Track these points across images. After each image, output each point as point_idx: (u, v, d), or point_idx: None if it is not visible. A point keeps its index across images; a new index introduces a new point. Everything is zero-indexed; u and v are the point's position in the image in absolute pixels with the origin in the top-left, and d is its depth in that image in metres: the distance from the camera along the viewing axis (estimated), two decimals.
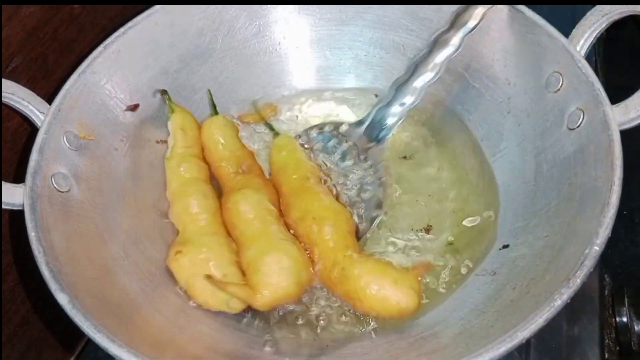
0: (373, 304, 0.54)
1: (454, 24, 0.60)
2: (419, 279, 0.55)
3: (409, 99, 0.62)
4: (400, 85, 0.62)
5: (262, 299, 0.53)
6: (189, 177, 0.62)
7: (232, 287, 0.53)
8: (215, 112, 0.67)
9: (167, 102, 0.65)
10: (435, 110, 0.67)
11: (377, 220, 0.61)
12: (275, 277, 0.54)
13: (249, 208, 0.59)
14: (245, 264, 0.56)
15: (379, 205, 0.61)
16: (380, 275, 0.54)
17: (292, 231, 0.60)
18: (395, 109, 0.63)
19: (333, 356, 0.53)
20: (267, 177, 0.65)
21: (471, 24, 0.59)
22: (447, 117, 0.67)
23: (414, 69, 0.61)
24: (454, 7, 0.61)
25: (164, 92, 0.64)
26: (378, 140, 0.64)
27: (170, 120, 0.64)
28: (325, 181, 0.64)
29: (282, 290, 0.54)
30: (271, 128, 0.68)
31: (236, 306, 0.55)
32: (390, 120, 0.63)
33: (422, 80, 0.61)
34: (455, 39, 0.59)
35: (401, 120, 0.63)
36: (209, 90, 0.67)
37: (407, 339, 0.52)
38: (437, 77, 0.60)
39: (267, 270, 0.54)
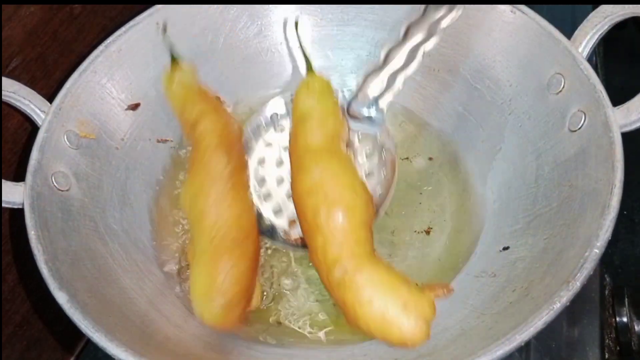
0: (370, 325, 0.46)
1: None
2: (434, 303, 0.47)
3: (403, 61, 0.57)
4: (392, 49, 0.57)
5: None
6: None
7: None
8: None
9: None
10: (436, 112, 0.67)
11: (382, 205, 0.56)
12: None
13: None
14: None
15: (385, 187, 0.57)
16: (388, 293, 0.46)
17: (295, 205, 0.54)
18: (389, 74, 0.57)
19: (333, 356, 0.53)
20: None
21: None
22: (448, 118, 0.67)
23: (406, 32, 0.56)
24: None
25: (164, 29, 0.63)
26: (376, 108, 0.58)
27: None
28: (351, 149, 0.58)
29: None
30: (307, 59, 0.60)
31: None
32: (385, 87, 0.58)
33: (414, 42, 0.56)
34: None
35: (397, 89, 0.58)
36: None
37: None
38: (432, 43, 0.56)
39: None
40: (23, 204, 0.52)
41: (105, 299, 0.51)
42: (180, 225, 0.62)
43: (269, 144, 0.61)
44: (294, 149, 0.54)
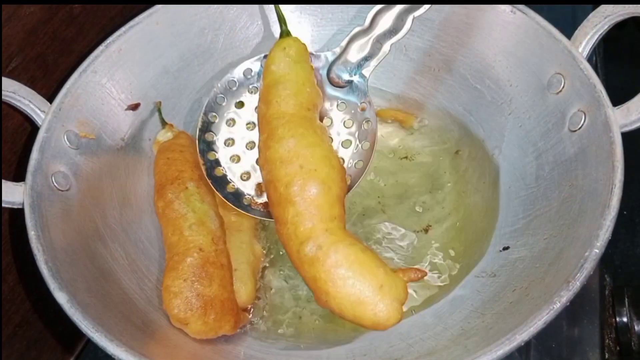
0: (343, 305, 0.45)
1: None
2: (407, 286, 0.47)
3: (389, 25, 0.55)
4: (378, 12, 0.56)
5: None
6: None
7: None
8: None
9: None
10: (436, 113, 0.67)
11: (361, 178, 0.55)
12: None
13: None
14: None
15: (365, 158, 0.55)
16: (364, 272, 0.44)
17: (263, 172, 0.51)
18: (374, 35, 0.56)
19: (333, 357, 0.53)
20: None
21: None
22: (449, 119, 0.67)
23: None
24: (455, 7, 0.61)
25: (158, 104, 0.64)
26: (358, 74, 0.57)
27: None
28: (326, 119, 0.56)
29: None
30: (281, 19, 0.59)
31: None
32: (369, 51, 0.57)
33: (403, 6, 0.55)
34: None
35: (383, 54, 0.57)
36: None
37: (407, 340, 0.52)
38: (423, 9, 0.55)
39: None
40: (23, 204, 0.52)
41: (105, 299, 0.51)
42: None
43: (240, 103, 0.60)
44: (265, 113, 0.51)
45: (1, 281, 0.58)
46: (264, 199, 0.57)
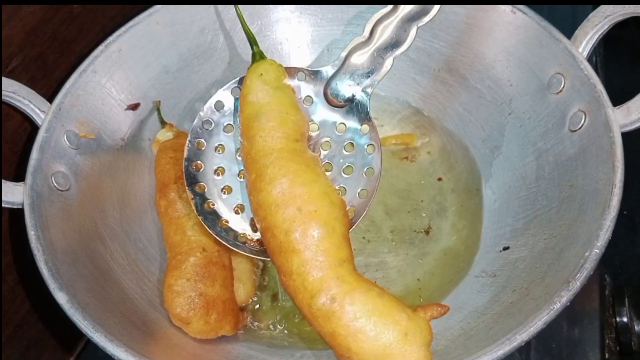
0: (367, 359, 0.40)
1: None
2: (431, 325, 0.43)
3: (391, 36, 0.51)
4: (378, 22, 0.52)
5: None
6: None
7: None
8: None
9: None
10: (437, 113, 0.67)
11: (366, 210, 0.50)
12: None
13: None
14: None
15: (369, 186, 0.51)
16: (386, 322, 0.40)
17: (257, 218, 0.46)
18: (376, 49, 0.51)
19: (334, 357, 0.53)
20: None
21: None
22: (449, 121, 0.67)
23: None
24: (455, 7, 0.61)
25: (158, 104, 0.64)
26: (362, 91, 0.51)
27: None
28: (316, 148, 0.51)
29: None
30: (252, 40, 0.53)
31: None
32: (372, 64, 0.52)
33: (406, 14, 0.50)
34: None
35: (387, 69, 0.52)
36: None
37: None
38: (429, 16, 0.51)
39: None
40: (23, 204, 0.52)
41: (105, 299, 0.51)
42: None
43: (230, 127, 0.54)
44: (250, 151, 0.46)
45: (1, 281, 0.58)
46: (259, 235, 0.50)
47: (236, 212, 0.53)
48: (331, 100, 0.52)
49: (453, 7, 0.61)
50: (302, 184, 0.43)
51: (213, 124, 0.54)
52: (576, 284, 0.44)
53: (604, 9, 0.55)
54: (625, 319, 0.60)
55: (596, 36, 0.55)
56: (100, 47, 0.60)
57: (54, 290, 0.47)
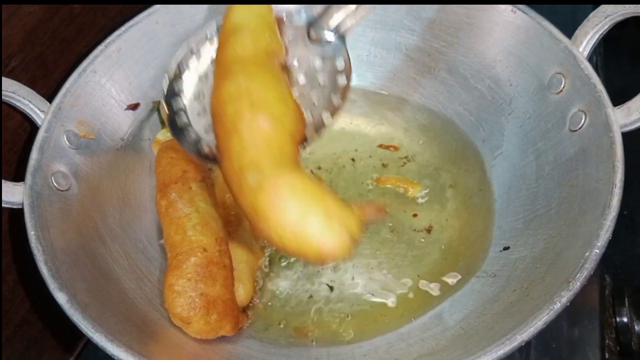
0: (284, 235, 0.39)
1: None
2: (363, 221, 0.41)
3: None
4: None
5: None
6: None
7: None
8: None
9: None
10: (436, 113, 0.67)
11: (323, 129, 0.49)
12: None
13: None
14: None
15: (333, 109, 0.49)
16: (309, 199, 0.39)
17: (212, 114, 0.46)
18: None
19: (333, 356, 0.53)
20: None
21: None
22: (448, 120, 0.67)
23: None
24: (455, 7, 0.61)
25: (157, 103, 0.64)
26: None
27: None
28: (288, 71, 0.50)
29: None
30: None
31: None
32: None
33: None
34: None
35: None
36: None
37: (407, 340, 0.52)
38: None
39: None
40: (23, 204, 0.52)
41: (105, 299, 0.51)
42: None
43: (214, 60, 0.52)
44: (221, 59, 0.46)
45: (1, 281, 0.58)
46: None
47: (205, 131, 0.52)
48: (312, 36, 0.52)
49: (453, 7, 0.61)
50: (259, 84, 0.43)
51: (201, 56, 0.53)
52: (576, 284, 0.44)
53: (604, 8, 0.55)
54: (625, 319, 0.60)
55: (596, 36, 0.55)
56: (100, 47, 0.60)
57: (53, 290, 0.47)
